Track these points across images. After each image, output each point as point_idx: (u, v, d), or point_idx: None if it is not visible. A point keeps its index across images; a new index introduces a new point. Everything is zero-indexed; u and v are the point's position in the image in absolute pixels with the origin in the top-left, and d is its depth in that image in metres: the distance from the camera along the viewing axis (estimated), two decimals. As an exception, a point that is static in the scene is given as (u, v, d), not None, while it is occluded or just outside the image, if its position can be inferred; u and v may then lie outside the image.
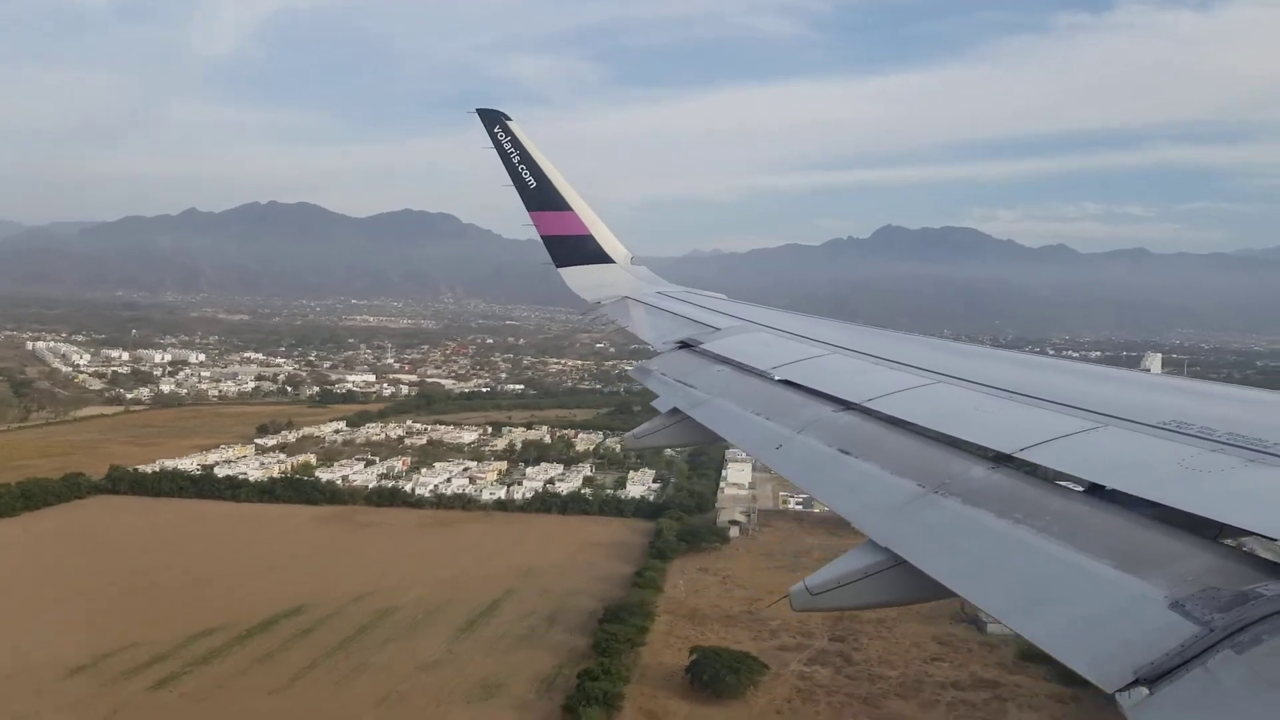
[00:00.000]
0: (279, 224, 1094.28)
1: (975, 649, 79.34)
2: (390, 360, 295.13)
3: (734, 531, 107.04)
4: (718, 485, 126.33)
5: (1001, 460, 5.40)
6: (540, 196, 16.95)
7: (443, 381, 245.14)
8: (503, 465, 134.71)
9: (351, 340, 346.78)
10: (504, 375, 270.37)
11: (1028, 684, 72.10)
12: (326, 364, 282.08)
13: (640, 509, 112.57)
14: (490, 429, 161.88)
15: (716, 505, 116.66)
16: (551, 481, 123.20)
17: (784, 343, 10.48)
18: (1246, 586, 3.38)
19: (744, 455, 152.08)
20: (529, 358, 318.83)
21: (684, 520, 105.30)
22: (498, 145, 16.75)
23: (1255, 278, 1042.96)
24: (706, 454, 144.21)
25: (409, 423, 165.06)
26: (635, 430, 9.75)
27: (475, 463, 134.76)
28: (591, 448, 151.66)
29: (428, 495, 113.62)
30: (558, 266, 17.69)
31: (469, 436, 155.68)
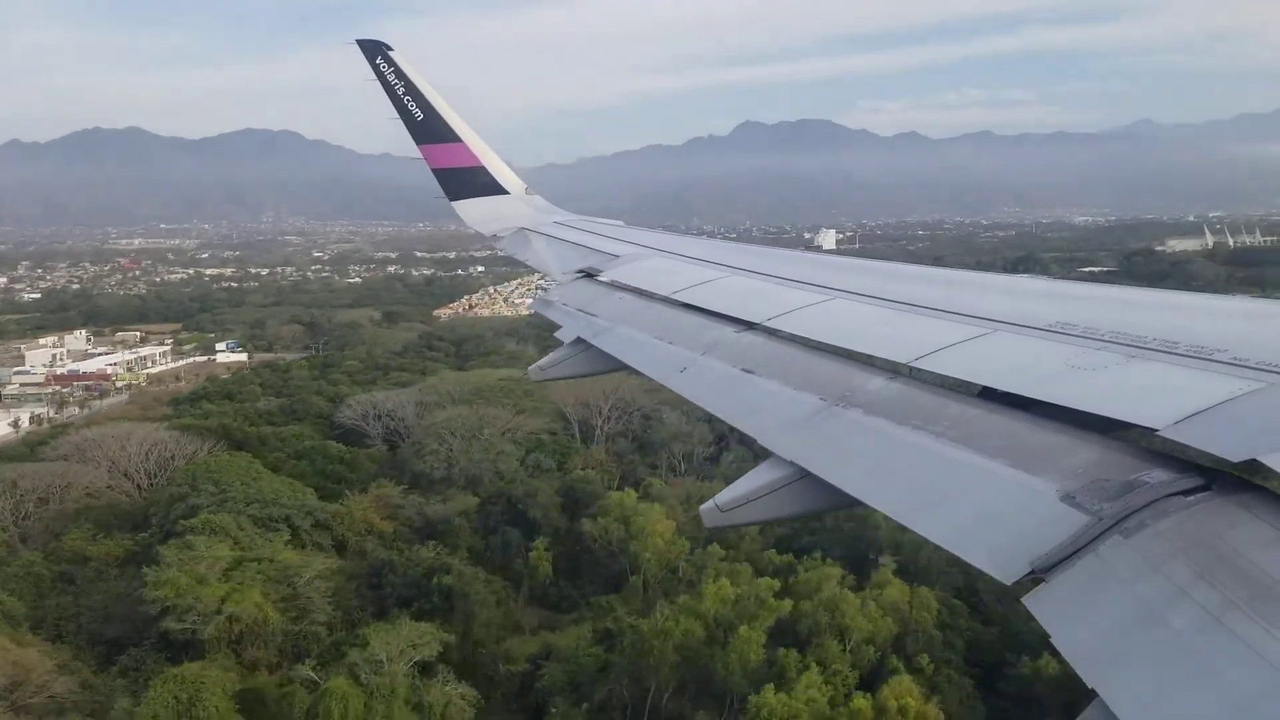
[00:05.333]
0: (104, 151, 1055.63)
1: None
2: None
3: None
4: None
5: (899, 371, 5.51)
6: (428, 129, 16.09)
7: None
8: None
9: (27, 264, 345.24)
10: (106, 289, 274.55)
11: None
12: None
13: None
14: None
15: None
16: None
17: (684, 267, 10.51)
18: (1132, 476, 3.50)
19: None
20: (213, 269, 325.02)
21: None
22: (380, 77, 15.64)
23: (1088, 154, 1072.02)
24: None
25: None
26: (540, 361, 9.62)
27: None
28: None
29: None
30: (451, 200, 16.92)
31: None
